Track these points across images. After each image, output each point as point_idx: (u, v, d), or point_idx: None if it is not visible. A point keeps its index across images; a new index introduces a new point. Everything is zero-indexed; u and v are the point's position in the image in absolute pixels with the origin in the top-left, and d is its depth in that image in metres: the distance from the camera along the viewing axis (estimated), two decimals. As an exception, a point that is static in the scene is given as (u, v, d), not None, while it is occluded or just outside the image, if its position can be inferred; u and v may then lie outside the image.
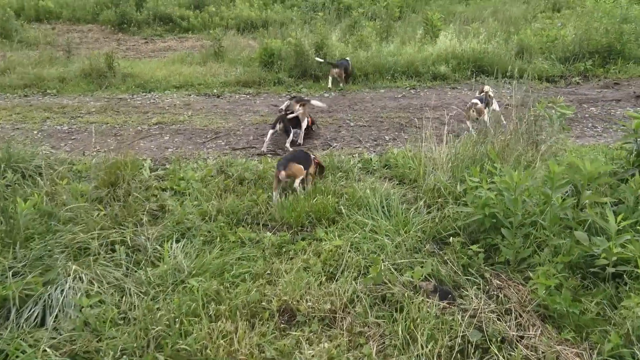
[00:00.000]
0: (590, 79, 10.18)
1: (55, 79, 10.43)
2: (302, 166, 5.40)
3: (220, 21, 17.19)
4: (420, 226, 4.56)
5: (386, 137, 7.43)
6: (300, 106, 7.17)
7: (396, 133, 7.56)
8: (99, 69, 10.46)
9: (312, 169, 5.62)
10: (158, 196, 5.34)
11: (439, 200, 4.94)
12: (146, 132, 7.73)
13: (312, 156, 5.71)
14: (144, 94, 9.87)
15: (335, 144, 7.18)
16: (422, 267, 3.93)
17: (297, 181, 5.34)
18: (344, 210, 4.90)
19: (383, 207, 4.90)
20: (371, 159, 6.45)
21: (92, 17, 17.93)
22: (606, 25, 10.68)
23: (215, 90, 9.97)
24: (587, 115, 8.25)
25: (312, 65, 10.19)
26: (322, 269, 4.13)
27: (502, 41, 11.20)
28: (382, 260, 4.07)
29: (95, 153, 6.79)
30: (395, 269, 3.98)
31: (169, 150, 7.02)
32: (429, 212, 4.77)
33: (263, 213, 5.08)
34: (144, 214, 4.89)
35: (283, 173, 5.26)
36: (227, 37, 13.87)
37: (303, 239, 4.66)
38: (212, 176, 5.86)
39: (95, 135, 7.35)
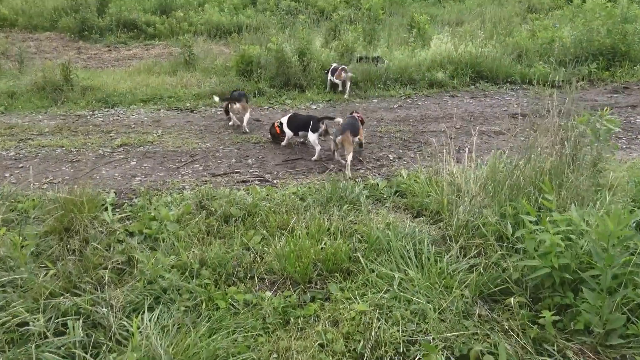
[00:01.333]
0: (595, 83, 9.45)
1: (4, 94, 9.16)
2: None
3: (189, 27, 16.07)
4: (461, 278, 3.60)
5: (389, 155, 6.47)
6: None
7: (400, 151, 6.60)
8: (54, 82, 9.22)
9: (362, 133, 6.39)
10: (124, 244, 4.25)
11: (478, 241, 3.98)
12: (109, 156, 6.59)
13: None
14: (106, 109, 8.69)
15: (331, 166, 6.18)
16: (479, 340, 2.96)
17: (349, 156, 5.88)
18: (361, 259, 3.90)
19: (408, 251, 3.93)
20: (378, 185, 5.48)
21: (50, 24, 16.58)
22: (608, 26, 9.98)
23: (188, 104, 8.85)
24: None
25: (296, 73, 9.18)
26: (346, 347, 3.13)
27: (498, 44, 10.40)
28: (426, 332, 3.10)
29: (46, 186, 5.65)
30: (445, 346, 3.01)
31: (137, 178, 5.91)
32: (467, 259, 3.81)
33: (258, 263, 4.05)
34: (106, 271, 3.81)
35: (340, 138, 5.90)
36: (197, 44, 12.76)
37: (313, 300, 3.66)
38: (190, 213, 4.79)
39: (47, 162, 6.18)
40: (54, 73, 9.34)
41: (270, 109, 8.55)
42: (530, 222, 3.49)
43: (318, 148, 6.42)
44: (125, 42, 15.65)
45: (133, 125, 7.78)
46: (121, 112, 8.51)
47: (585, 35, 10.14)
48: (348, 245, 4.10)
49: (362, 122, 6.63)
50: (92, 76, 10.31)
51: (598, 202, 3.97)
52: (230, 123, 7.72)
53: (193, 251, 4.10)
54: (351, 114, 6.65)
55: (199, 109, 8.65)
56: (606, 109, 4.67)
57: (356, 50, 10.25)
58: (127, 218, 4.87)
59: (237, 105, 7.41)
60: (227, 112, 7.88)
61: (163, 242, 4.31)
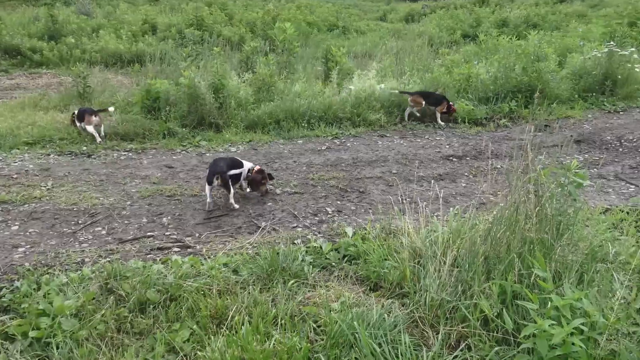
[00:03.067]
0: (516, 120, 9.43)
1: None
2: None
3: (82, 54, 14.62)
4: (452, 383, 2.92)
5: (327, 208, 5.73)
6: None
7: (338, 202, 5.90)
8: None
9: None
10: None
11: (461, 329, 3.33)
12: (-18, 219, 5.28)
13: None
14: (-21, 155, 7.22)
15: (263, 224, 5.34)
16: None
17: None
18: (323, 361, 3.09)
19: (380, 346, 3.18)
20: (321, 248, 4.72)
21: None
22: (523, 64, 10.11)
23: (84, 147, 7.59)
24: (541, 167, 7.26)
25: (211, 111, 8.26)
26: None
27: (419, 80, 10.17)
28: None
29: None
30: None
31: (20, 250, 4.69)
32: (454, 356, 3.13)
33: (190, 373, 3.12)
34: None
35: None
36: (93, 74, 11.42)
37: None
38: (94, 301, 3.74)
39: None
40: None
41: (184, 152, 7.54)
42: (534, 311, 2.90)
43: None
44: (6, 70, 13.93)
45: (15, 176, 6.43)
46: None
47: (502, 73, 10.19)
48: (306, 342, 3.27)
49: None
50: (-38, 112, 8.71)
51: (591, 275, 3.47)
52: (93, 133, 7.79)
53: (101, 365, 3.08)
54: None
55: (98, 153, 7.43)
56: (574, 162, 4.26)
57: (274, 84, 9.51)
58: (4, 310, 3.72)
59: (96, 118, 7.84)
60: (73, 123, 8.03)
61: (57, 349, 3.24)
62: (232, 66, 11.89)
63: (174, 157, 7.29)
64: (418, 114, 9.22)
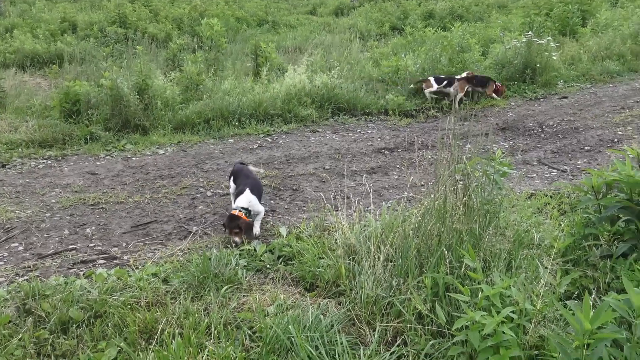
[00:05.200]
0: (445, 111, 9.63)
1: None
2: None
3: (-6, 57, 13.66)
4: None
5: (261, 208, 5.62)
6: None
7: (271, 201, 5.79)
8: None
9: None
10: None
11: (397, 324, 3.32)
12: None
13: None
14: None
15: (195, 228, 5.16)
16: None
17: None
18: (260, 370, 3.00)
19: (317, 348, 3.13)
20: (255, 250, 4.61)
21: None
22: (448, 55, 10.34)
23: (-2, 156, 7.11)
24: (469, 155, 7.45)
25: (136, 113, 7.91)
26: None
27: (349, 74, 10.19)
28: None
29: None
30: None
31: None
32: (391, 352, 3.12)
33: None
34: None
35: None
36: (7, 77, 10.72)
37: None
38: (10, 323, 3.47)
39: None
40: None
41: (108, 157, 7.19)
42: (465, 302, 2.93)
43: None
44: None
45: None
46: None
47: (429, 64, 10.39)
48: (241, 351, 3.17)
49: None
50: None
51: (519, 262, 3.55)
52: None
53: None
54: None
55: (13, 162, 6.96)
56: (498, 152, 4.36)
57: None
58: None
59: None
60: None
61: (-33, 382, 2.98)
62: (158, 65, 11.49)
63: (98, 163, 6.94)
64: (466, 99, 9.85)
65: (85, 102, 8.08)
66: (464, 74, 9.75)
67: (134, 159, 7.13)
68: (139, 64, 8.36)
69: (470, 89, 9.78)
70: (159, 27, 17.29)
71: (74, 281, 4.00)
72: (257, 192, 5.09)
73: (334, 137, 8.02)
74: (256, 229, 4.92)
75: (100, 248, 4.77)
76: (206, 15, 17.89)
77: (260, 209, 5.06)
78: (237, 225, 4.73)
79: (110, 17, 17.32)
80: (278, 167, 6.77)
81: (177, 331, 3.31)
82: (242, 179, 5.29)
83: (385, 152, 7.38)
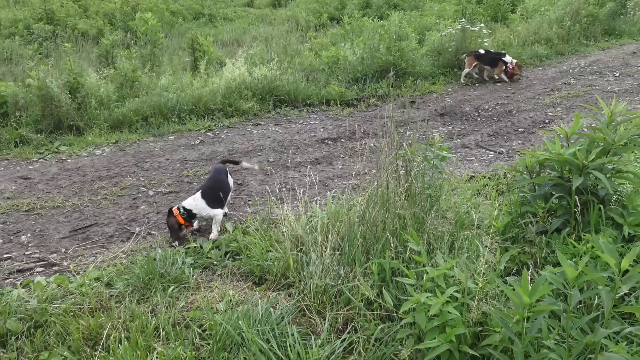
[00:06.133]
0: (385, 99, 9.77)
1: None
2: None
3: None
4: (342, 367, 2.94)
5: (204, 205, 5.53)
6: None
7: (216, 197, 5.71)
8: None
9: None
10: None
11: (346, 312, 3.36)
12: None
13: None
14: None
15: (138, 229, 5.02)
16: None
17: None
18: (211, 368, 2.97)
19: (268, 341, 3.12)
20: (202, 247, 4.55)
21: None
22: (386, 44, 10.47)
23: None
24: (410, 142, 7.60)
25: (69, 113, 7.58)
26: None
27: (287, 65, 10.15)
28: None
29: None
30: None
31: None
32: (342, 340, 3.15)
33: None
34: None
35: None
36: None
37: None
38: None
39: None
40: None
41: (42, 160, 6.87)
42: (411, 286, 3.00)
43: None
44: None
45: None
46: None
47: (368, 54, 10.49)
48: (191, 350, 3.12)
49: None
50: None
51: (460, 243, 3.66)
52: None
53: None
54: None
55: (-64, 170, 6.55)
56: (437, 137, 4.46)
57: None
58: None
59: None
60: None
61: None
62: (90, 62, 11.08)
63: (30, 167, 6.62)
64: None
65: (13, 103, 7.68)
66: (481, 51, 10.42)
67: (69, 160, 6.84)
68: (68, 61, 8.01)
69: (479, 66, 10.50)
70: (89, 23, 16.63)
71: (10, 292, 3.83)
72: (212, 195, 4.82)
73: (276, 129, 7.99)
74: (213, 234, 4.79)
75: (37, 255, 4.57)
76: (139, 9, 17.34)
77: (213, 212, 4.80)
78: (167, 222, 4.78)
79: (37, 14, 16.49)
80: (221, 162, 6.68)
81: (123, 335, 3.23)
82: (207, 180, 5.15)
83: (329, 142, 7.43)
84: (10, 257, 4.56)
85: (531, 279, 2.97)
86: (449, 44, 11.16)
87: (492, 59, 10.43)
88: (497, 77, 10.57)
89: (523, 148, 6.90)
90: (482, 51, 10.42)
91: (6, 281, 4.17)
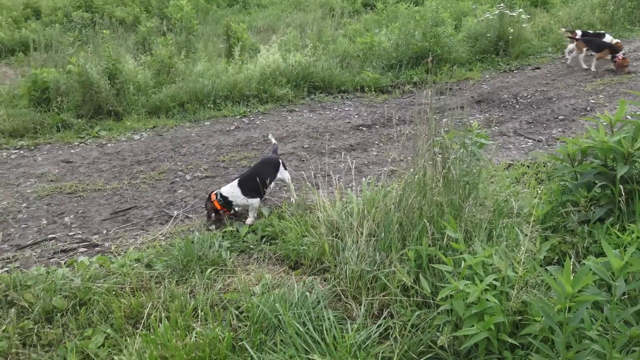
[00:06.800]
0: (421, 85, 9.65)
1: None
2: None
3: (-45, 46, 13.20)
4: (377, 351, 2.95)
5: (241, 190, 5.59)
6: None
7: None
8: None
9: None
10: None
11: (382, 297, 3.36)
12: None
13: None
14: None
15: (175, 212, 5.12)
16: None
17: None
18: (249, 349, 3.02)
19: (305, 324, 3.15)
20: (238, 231, 4.60)
21: None
22: (422, 29, 10.32)
23: (-33, 148, 6.91)
24: (447, 129, 7.50)
25: (108, 99, 7.76)
26: None
27: (325, 52, 10.12)
28: None
29: None
30: None
31: None
32: (378, 325, 3.16)
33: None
34: None
35: None
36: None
37: None
38: (-9, 316, 3.42)
39: None
40: None
41: (83, 144, 7.05)
42: (449, 273, 2.98)
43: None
44: None
45: None
46: None
47: (403, 40, 10.36)
48: (228, 331, 3.18)
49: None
50: None
51: (499, 231, 3.61)
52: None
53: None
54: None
55: (-17, 153, 6.79)
56: (475, 123, 4.39)
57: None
58: None
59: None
60: None
61: (-48, 376, 2.94)
62: (128, 49, 11.24)
63: (72, 151, 6.80)
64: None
65: (55, 89, 7.88)
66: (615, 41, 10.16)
67: (109, 145, 7.00)
68: (107, 48, 8.17)
69: (587, 50, 10.18)
70: (126, 11, 16.86)
71: (55, 270, 3.95)
72: (248, 185, 4.81)
73: (311, 115, 7.99)
74: (250, 218, 4.84)
75: (80, 236, 4.71)
76: (174, -4, 17.49)
77: (248, 202, 4.82)
78: (205, 206, 4.92)
79: (76, 2, 16.81)
80: (256, 148, 6.73)
81: (163, 315, 3.31)
82: (250, 168, 5.21)
83: (363, 128, 7.39)
84: (55, 237, 4.71)
85: (573, 269, 2.91)
86: (486, 29, 10.92)
87: (599, 46, 10.05)
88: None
89: (563, 136, 6.74)
90: (579, 32, 10.32)
91: (51, 260, 4.32)
